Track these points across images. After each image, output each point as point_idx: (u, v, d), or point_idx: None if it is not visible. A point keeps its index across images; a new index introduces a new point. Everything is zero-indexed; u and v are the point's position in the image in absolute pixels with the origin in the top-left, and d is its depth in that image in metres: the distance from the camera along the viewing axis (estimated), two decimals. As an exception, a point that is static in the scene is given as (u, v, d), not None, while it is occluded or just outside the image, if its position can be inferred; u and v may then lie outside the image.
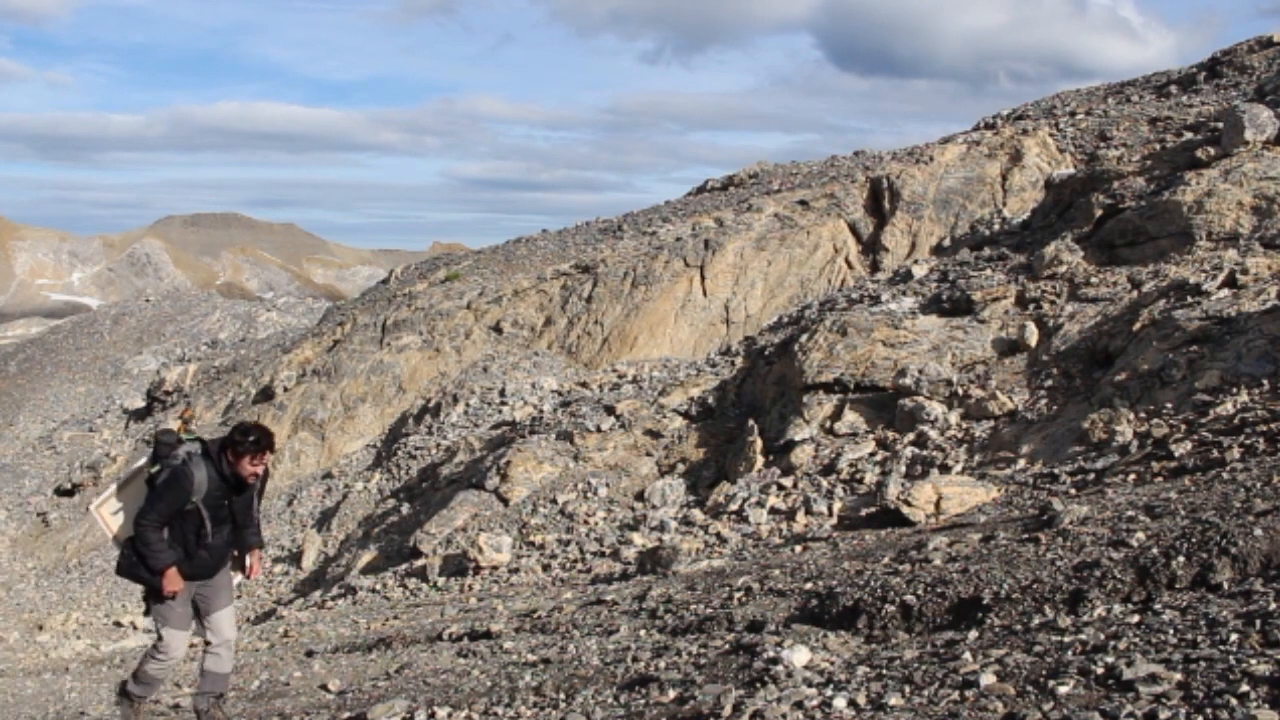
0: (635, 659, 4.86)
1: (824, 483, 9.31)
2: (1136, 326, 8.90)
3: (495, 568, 10.83)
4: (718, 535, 9.18)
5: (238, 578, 5.44)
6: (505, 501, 12.60)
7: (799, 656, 3.98)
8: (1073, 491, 6.76)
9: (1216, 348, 7.89)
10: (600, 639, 5.65)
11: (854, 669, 3.71)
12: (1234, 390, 7.20)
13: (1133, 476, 6.57)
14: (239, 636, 5.52)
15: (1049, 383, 9.15)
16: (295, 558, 16.64)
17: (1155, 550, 4.17)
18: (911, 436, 9.40)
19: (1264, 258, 9.00)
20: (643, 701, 3.95)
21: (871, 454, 9.51)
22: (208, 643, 5.29)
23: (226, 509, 5.10)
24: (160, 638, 5.19)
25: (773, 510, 9.28)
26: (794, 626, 4.79)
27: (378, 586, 12.04)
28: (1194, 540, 4.13)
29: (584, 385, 17.23)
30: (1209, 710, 2.60)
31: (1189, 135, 14.01)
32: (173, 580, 4.97)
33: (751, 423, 11.09)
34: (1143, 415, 7.64)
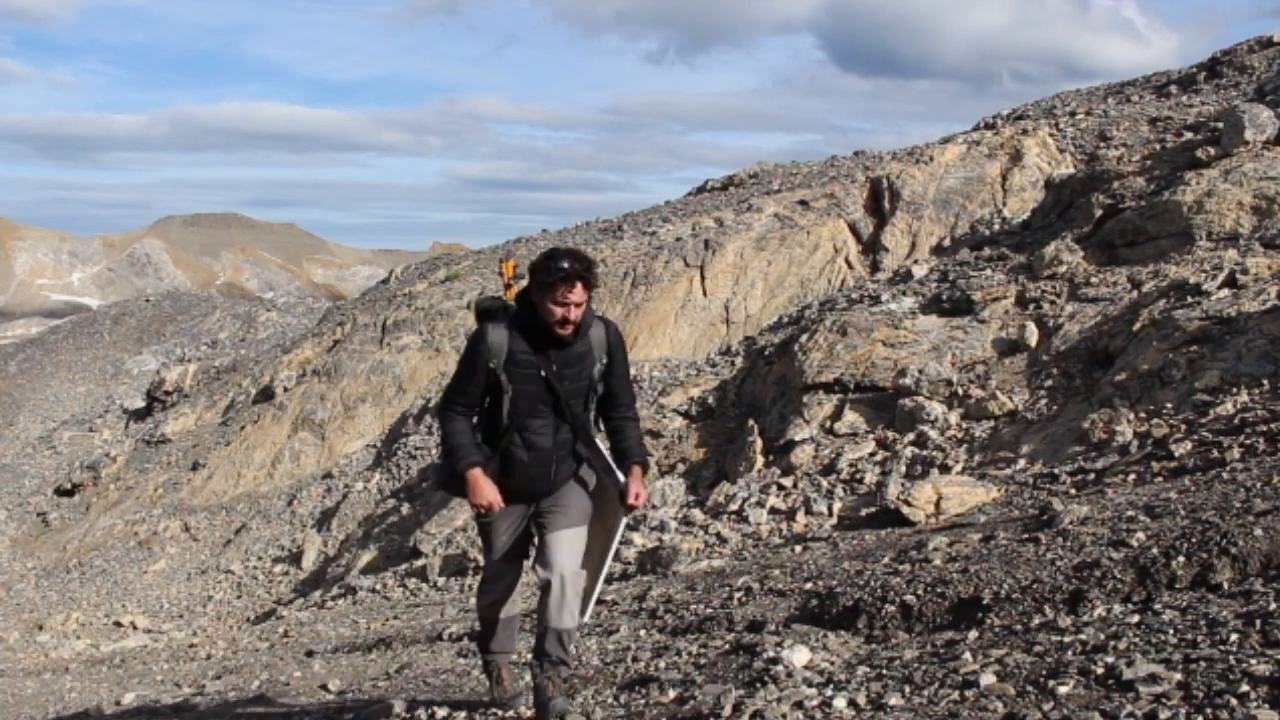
0: (635, 659, 4.86)
1: (824, 483, 9.31)
2: (1136, 326, 8.90)
3: (495, 568, 10.83)
4: (718, 535, 9.18)
5: (622, 522, 3.87)
6: (505, 501, 12.60)
7: (799, 656, 3.98)
8: (1073, 491, 6.76)
9: (1216, 348, 7.89)
10: (600, 639, 5.65)
11: (854, 669, 3.71)
12: (1234, 390, 7.20)
13: (1133, 476, 6.57)
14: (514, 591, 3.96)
15: (1049, 383, 9.16)
16: (295, 558, 16.65)
17: (1155, 550, 4.17)
18: (911, 436, 9.40)
19: (1264, 258, 9.00)
20: (643, 701, 3.95)
21: (871, 454, 9.51)
22: (537, 583, 3.83)
23: (542, 383, 3.68)
24: (484, 570, 4.00)
25: (773, 510, 9.28)
26: (794, 626, 4.79)
27: (378, 586, 12.05)
28: (1194, 540, 4.13)
29: (584, 385, 17.23)
30: (1209, 710, 2.60)
31: (1189, 135, 14.01)
32: (480, 487, 3.65)
33: (751, 423, 11.09)
34: (1143, 415, 7.64)
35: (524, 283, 3.79)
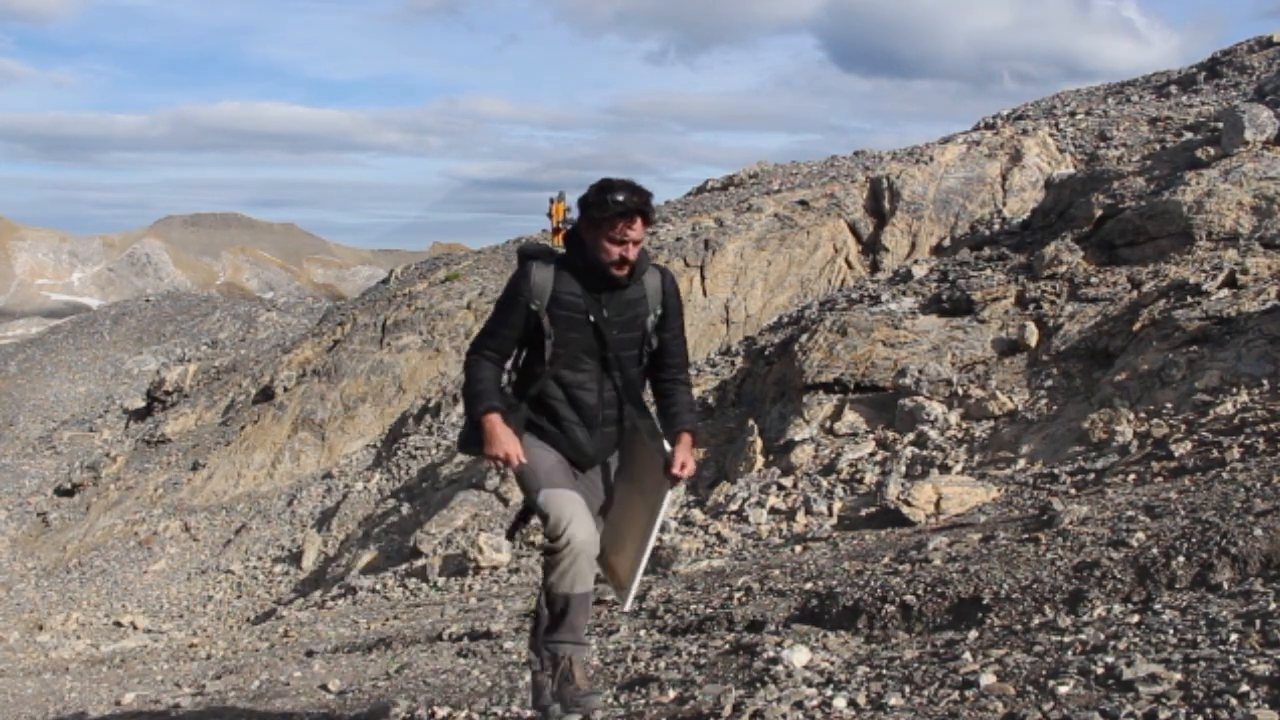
0: (635, 659, 4.86)
1: (824, 483, 9.31)
2: (1136, 326, 8.90)
3: (495, 568, 10.84)
4: (718, 535, 9.18)
5: (667, 495, 3.42)
6: (505, 501, 12.60)
7: (799, 656, 3.98)
8: (1073, 491, 6.76)
9: (1216, 348, 7.89)
10: (600, 639, 5.65)
11: (854, 669, 3.71)
12: (1234, 390, 7.20)
13: (1133, 476, 6.57)
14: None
15: (1049, 383, 9.15)
16: (295, 558, 16.65)
17: (1155, 550, 4.17)
18: (911, 436, 9.40)
19: (1264, 258, 9.00)
20: (643, 701, 3.95)
21: (871, 454, 9.50)
22: None
23: (590, 329, 3.26)
24: (541, 519, 3.23)
25: (773, 510, 9.27)
26: (794, 626, 4.79)
27: (378, 586, 12.05)
28: (1194, 540, 4.13)
29: (584, 385, 17.21)
30: (1209, 710, 2.61)
31: (1189, 135, 14.01)
32: (497, 435, 3.15)
33: (751, 423, 11.09)
34: (1143, 415, 7.64)
35: (571, 226, 3.49)
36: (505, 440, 3.19)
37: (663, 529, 10.02)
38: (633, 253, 3.24)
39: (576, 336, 3.28)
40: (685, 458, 3.36)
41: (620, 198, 3.17)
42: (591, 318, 3.27)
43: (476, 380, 3.28)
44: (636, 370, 3.40)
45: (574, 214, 3.48)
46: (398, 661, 6.75)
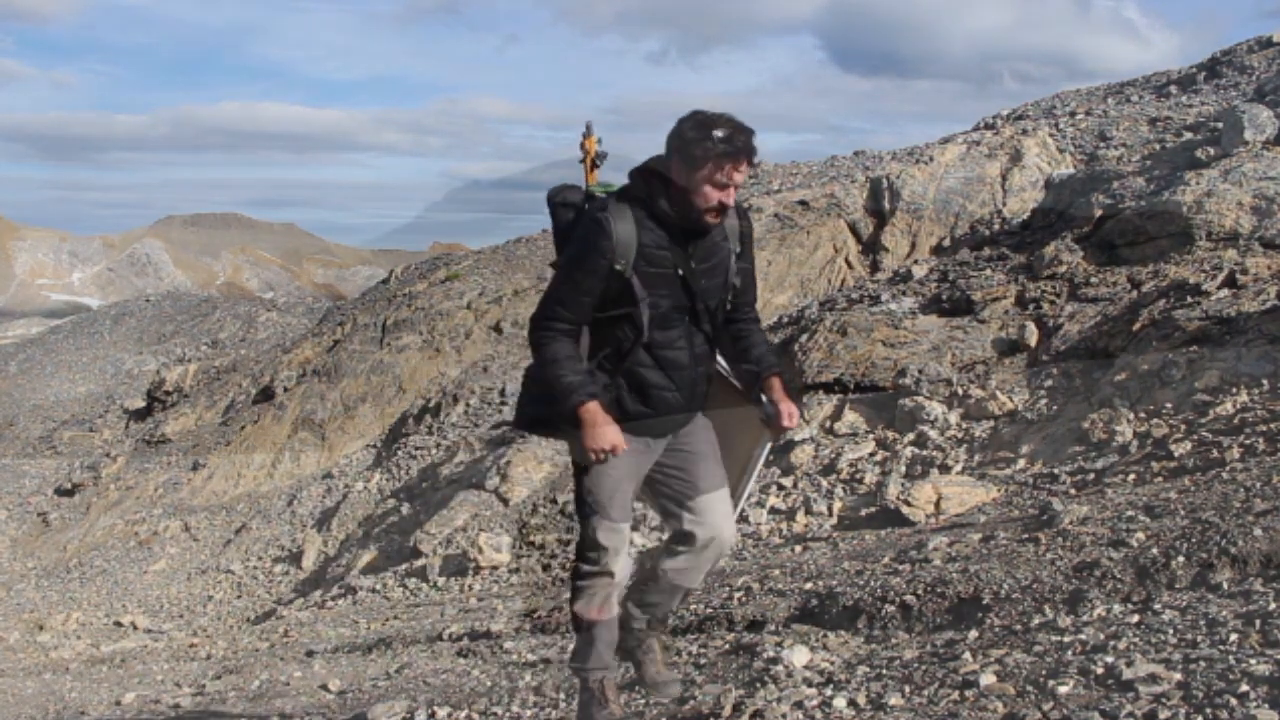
0: (635, 659, 4.86)
1: (824, 483, 9.31)
2: (1136, 326, 8.91)
3: (495, 568, 10.84)
4: (718, 535, 9.18)
5: (766, 447, 3.18)
6: (505, 501, 12.60)
7: (799, 656, 3.99)
8: (1073, 491, 6.76)
9: (1216, 348, 7.89)
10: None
11: (854, 669, 3.71)
12: (1234, 390, 7.20)
13: (1133, 476, 6.58)
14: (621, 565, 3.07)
15: (1049, 383, 9.16)
16: (295, 558, 16.65)
17: (1155, 550, 4.18)
18: (911, 436, 9.40)
19: (1264, 258, 9.01)
20: (643, 701, 3.95)
21: (871, 454, 9.51)
22: (680, 535, 3.08)
23: (678, 283, 2.91)
24: (583, 537, 3.06)
25: (773, 510, 9.27)
26: (794, 626, 4.79)
27: (378, 586, 12.05)
28: (1194, 540, 4.13)
29: (584, 385, 17.18)
30: (1209, 710, 2.61)
31: (1189, 135, 14.02)
32: (601, 428, 2.83)
33: (751, 423, 11.08)
34: (1143, 415, 7.64)
35: (605, 160, 3.30)
36: (612, 433, 2.85)
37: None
38: (732, 198, 2.86)
39: (665, 293, 2.91)
40: (790, 406, 3.02)
41: (723, 134, 2.76)
42: (679, 271, 2.91)
43: (558, 360, 2.87)
44: (721, 316, 3.07)
45: (605, 147, 3.30)
46: (398, 661, 6.76)
